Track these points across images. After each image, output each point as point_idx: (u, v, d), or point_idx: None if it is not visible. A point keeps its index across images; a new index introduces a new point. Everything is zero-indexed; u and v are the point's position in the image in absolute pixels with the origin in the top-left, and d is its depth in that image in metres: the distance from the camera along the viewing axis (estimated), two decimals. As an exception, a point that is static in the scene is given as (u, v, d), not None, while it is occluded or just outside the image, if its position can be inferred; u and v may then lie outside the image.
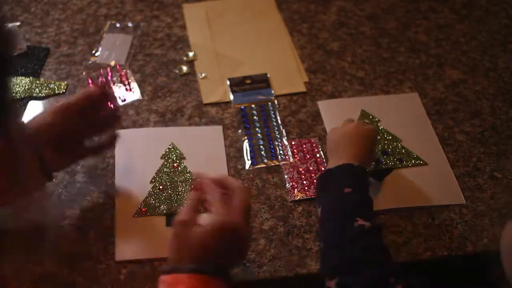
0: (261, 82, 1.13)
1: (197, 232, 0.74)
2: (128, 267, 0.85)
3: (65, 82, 1.12)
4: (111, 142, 0.95)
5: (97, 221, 0.91)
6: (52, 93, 1.10)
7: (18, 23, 1.22)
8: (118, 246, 0.88)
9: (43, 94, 1.10)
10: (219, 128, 1.05)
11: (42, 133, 0.83)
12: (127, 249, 0.87)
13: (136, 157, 1.00)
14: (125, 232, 0.89)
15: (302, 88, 1.13)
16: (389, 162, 1.00)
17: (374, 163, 0.98)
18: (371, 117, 1.07)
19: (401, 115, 1.09)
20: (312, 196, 0.95)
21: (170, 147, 1.01)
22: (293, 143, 1.03)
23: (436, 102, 1.12)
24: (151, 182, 0.96)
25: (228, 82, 1.13)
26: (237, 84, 1.13)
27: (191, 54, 1.19)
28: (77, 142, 0.89)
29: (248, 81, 1.13)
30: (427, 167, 1.00)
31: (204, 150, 1.02)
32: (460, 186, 0.98)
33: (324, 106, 1.10)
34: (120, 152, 1.00)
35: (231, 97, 1.10)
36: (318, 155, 1.01)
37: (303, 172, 0.98)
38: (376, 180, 0.96)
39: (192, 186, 0.80)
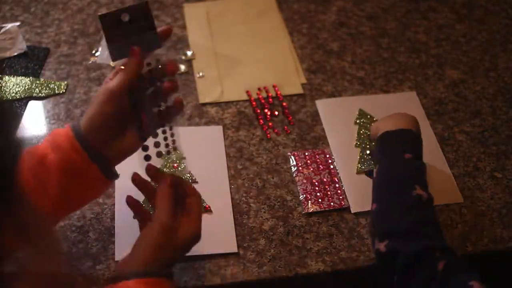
0: (143, 20, 0.80)
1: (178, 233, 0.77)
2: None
3: (65, 82, 1.12)
4: (178, 108, 0.84)
5: (97, 221, 0.91)
6: (52, 93, 1.10)
7: (18, 23, 1.22)
8: (118, 246, 0.88)
9: (43, 94, 1.10)
10: (219, 128, 1.05)
11: (96, 128, 0.78)
12: (127, 249, 0.87)
13: (136, 157, 0.99)
14: (125, 232, 0.89)
15: (299, 90, 1.13)
16: None
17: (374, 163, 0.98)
18: (368, 116, 1.07)
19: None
20: (326, 209, 0.94)
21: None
22: (306, 154, 1.02)
23: (436, 102, 1.12)
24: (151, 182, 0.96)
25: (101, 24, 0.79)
26: (112, 26, 0.79)
27: (189, 53, 1.19)
28: (137, 116, 0.81)
29: (126, 18, 0.79)
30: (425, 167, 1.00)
31: (204, 150, 1.02)
32: (460, 186, 0.98)
33: (322, 105, 1.10)
34: None
35: (99, 53, 1.00)
36: (332, 166, 1.00)
37: (316, 183, 0.97)
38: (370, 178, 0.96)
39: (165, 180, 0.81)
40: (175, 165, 0.98)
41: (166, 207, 0.77)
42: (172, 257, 0.77)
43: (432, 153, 1.02)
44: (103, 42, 1.18)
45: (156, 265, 0.74)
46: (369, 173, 0.96)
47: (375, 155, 0.92)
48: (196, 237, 0.79)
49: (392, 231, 0.80)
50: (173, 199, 0.78)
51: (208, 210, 0.93)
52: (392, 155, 0.88)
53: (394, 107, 1.09)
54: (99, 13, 0.79)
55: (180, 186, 0.81)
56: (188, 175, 0.97)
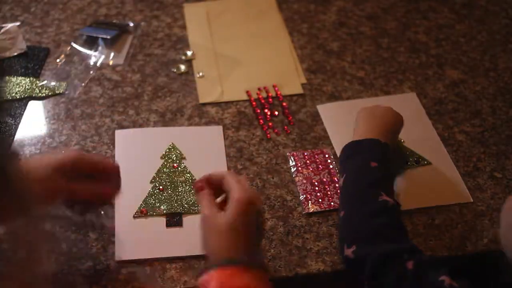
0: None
1: (222, 218, 0.75)
2: (128, 267, 0.85)
3: (65, 82, 1.12)
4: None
5: (97, 221, 0.91)
6: (52, 93, 1.10)
7: (18, 23, 1.22)
8: (118, 246, 0.88)
9: (43, 94, 1.10)
10: (219, 128, 1.05)
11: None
12: (127, 249, 0.87)
13: (136, 157, 1.00)
14: (125, 232, 0.89)
15: (299, 90, 1.13)
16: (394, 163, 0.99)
17: None
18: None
19: (402, 115, 1.08)
20: (327, 209, 0.94)
21: (170, 147, 1.01)
22: (305, 154, 1.01)
23: (436, 102, 1.12)
24: (151, 182, 0.96)
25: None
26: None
27: (189, 53, 1.19)
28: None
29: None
30: (431, 167, 1.00)
31: (204, 150, 1.02)
32: (460, 186, 0.98)
33: (324, 110, 1.09)
34: (120, 152, 1.00)
35: (98, 53, 1.14)
36: (331, 166, 1.00)
37: (316, 183, 0.97)
38: None
39: (196, 186, 0.81)
40: (175, 165, 0.98)
41: (205, 204, 0.79)
42: (244, 241, 0.76)
43: (436, 153, 1.02)
44: (102, 42, 1.19)
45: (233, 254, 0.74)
46: None
47: (342, 164, 0.92)
48: (248, 203, 0.76)
49: (359, 236, 0.81)
50: (211, 196, 0.80)
51: None
52: (358, 163, 0.89)
53: (396, 109, 1.09)
54: None
55: (211, 181, 0.81)
56: (188, 175, 0.97)
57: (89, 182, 0.84)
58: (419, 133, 1.05)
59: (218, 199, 0.80)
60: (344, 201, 0.88)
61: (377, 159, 0.88)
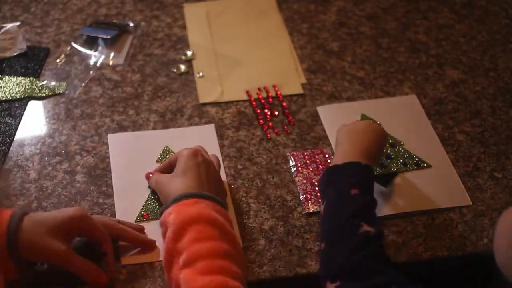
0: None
1: (173, 173, 0.89)
2: (128, 267, 0.85)
3: (65, 82, 1.12)
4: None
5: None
6: (52, 93, 1.10)
7: (18, 23, 1.22)
8: (122, 251, 0.87)
9: (43, 94, 1.10)
10: (211, 126, 1.05)
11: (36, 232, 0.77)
12: (131, 254, 0.87)
13: (132, 162, 0.99)
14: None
15: (299, 90, 1.13)
16: (393, 166, 0.99)
17: (378, 168, 0.98)
18: (371, 120, 1.07)
19: (401, 118, 1.08)
20: None
21: (164, 150, 1.01)
22: (305, 154, 1.01)
23: (436, 102, 1.12)
24: (149, 187, 0.95)
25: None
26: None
27: (189, 53, 1.19)
28: None
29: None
30: (430, 170, 0.99)
31: None
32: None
33: (324, 111, 1.09)
34: (115, 157, 1.00)
35: (98, 53, 1.16)
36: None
37: (316, 183, 0.97)
38: (382, 185, 0.96)
39: (146, 177, 0.95)
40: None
41: (156, 175, 0.93)
42: (195, 181, 0.86)
43: (436, 156, 1.01)
44: (102, 42, 1.19)
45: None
46: (376, 180, 0.94)
47: (322, 191, 0.88)
48: (191, 153, 0.89)
49: (342, 273, 0.78)
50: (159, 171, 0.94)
51: None
52: (338, 191, 0.85)
53: (396, 111, 1.09)
54: None
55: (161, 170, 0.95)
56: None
57: (88, 262, 0.80)
58: (419, 136, 1.05)
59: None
60: (324, 233, 0.84)
61: (357, 185, 0.84)
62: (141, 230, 0.89)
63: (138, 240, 0.86)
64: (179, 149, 0.93)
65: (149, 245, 0.87)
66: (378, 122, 1.05)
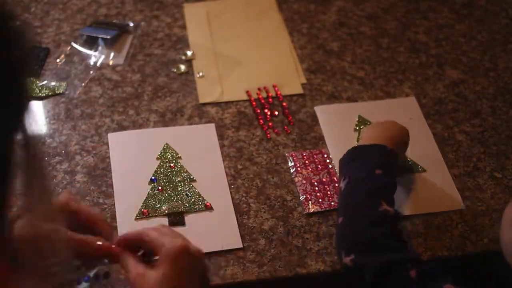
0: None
1: (153, 276, 0.69)
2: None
3: (65, 82, 1.12)
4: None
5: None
6: (52, 93, 1.10)
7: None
8: None
9: (43, 94, 1.10)
10: (212, 126, 1.05)
11: None
12: None
13: (132, 160, 0.99)
14: (125, 231, 0.89)
15: (299, 90, 1.13)
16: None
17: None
18: (368, 122, 1.06)
19: (399, 120, 1.07)
20: (327, 209, 0.93)
21: (164, 147, 1.01)
22: (304, 154, 1.01)
23: (436, 102, 1.12)
24: (149, 183, 0.96)
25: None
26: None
27: (189, 53, 1.19)
28: None
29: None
30: (426, 174, 0.99)
31: (198, 148, 1.02)
32: (460, 186, 0.98)
33: (321, 111, 1.09)
34: (115, 155, 1.00)
35: (98, 53, 1.15)
36: (330, 166, 0.99)
37: (316, 184, 0.97)
38: None
39: (117, 243, 0.75)
40: (172, 165, 0.98)
41: (130, 264, 0.73)
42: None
43: (432, 160, 1.01)
44: (102, 42, 1.19)
45: None
46: None
47: (344, 167, 0.89)
48: (180, 251, 0.70)
49: (357, 246, 0.80)
50: (132, 254, 0.74)
51: (209, 208, 0.93)
52: (363, 168, 0.87)
53: (394, 113, 1.08)
54: None
55: (128, 240, 0.76)
56: (186, 174, 0.97)
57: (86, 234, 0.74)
58: (416, 139, 1.03)
59: (140, 253, 0.75)
60: (343, 207, 0.86)
61: (382, 167, 0.86)
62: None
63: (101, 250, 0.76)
64: (180, 150, 0.93)
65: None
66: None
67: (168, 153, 1.00)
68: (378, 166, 0.86)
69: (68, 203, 0.75)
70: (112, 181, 0.96)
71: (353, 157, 0.89)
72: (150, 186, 0.95)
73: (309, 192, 0.96)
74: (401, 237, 0.82)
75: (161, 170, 0.97)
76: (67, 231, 0.72)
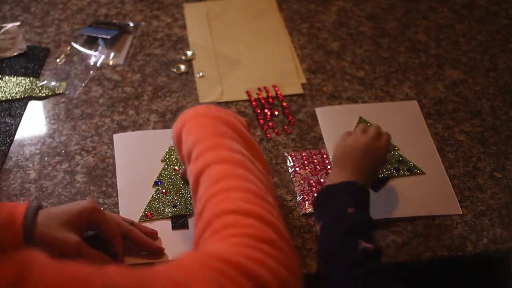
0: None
1: None
2: (133, 267, 0.85)
3: (65, 82, 1.12)
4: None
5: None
6: (52, 93, 1.10)
7: (18, 23, 1.22)
8: (126, 246, 0.87)
9: (43, 94, 1.10)
10: None
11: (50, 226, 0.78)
12: (135, 254, 0.87)
13: (136, 162, 0.99)
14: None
15: (299, 90, 1.13)
16: (386, 171, 0.98)
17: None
18: (368, 124, 1.06)
19: (399, 122, 1.07)
20: None
21: (169, 149, 1.00)
22: (303, 154, 1.01)
23: (436, 102, 1.12)
24: (153, 186, 0.96)
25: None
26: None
27: (189, 53, 1.19)
28: None
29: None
30: (424, 176, 0.99)
31: None
32: (459, 186, 0.98)
33: (322, 113, 1.09)
34: (120, 157, 1.00)
35: (98, 53, 1.16)
36: (329, 167, 0.99)
37: (314, 184, 0.97)
38: (372, 189, 0.94)
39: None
40: (176, 168, 0.98)
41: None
42: None
43: (431, 163, 1.01)
44: (102, 42, 1.19)
45: None
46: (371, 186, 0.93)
47: (317, 210, 0.86)
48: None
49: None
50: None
51: None
52: (334, 210, 0.83)
53: (394, 116, 1.08)
54: None
55: None
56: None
57: (100, 253, 0.81)
58: (415, 142, 1.04)
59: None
60: (322, 252, 0.82)
61: (354, 204, 0.82)
62: (154, 234, 0.88)
63: (145, 244, 0.86)
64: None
65: (156, 251, 0.87)
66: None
67: (173, 156, 0.99)
68: (350, 204, 0.82)
69: (94, 210, 0.82)
70: (112, 181, 0.96)
71: (324, 199, 0.86)
72: (154, 189, 0.95)
73: (306, 192, 0.96)
74: (384, 271, 0.78)
75: (166, 173, 0.97)
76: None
